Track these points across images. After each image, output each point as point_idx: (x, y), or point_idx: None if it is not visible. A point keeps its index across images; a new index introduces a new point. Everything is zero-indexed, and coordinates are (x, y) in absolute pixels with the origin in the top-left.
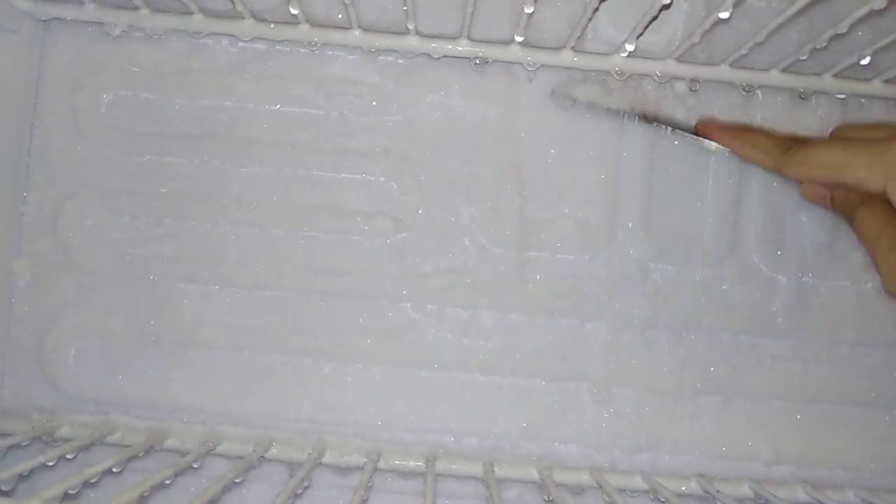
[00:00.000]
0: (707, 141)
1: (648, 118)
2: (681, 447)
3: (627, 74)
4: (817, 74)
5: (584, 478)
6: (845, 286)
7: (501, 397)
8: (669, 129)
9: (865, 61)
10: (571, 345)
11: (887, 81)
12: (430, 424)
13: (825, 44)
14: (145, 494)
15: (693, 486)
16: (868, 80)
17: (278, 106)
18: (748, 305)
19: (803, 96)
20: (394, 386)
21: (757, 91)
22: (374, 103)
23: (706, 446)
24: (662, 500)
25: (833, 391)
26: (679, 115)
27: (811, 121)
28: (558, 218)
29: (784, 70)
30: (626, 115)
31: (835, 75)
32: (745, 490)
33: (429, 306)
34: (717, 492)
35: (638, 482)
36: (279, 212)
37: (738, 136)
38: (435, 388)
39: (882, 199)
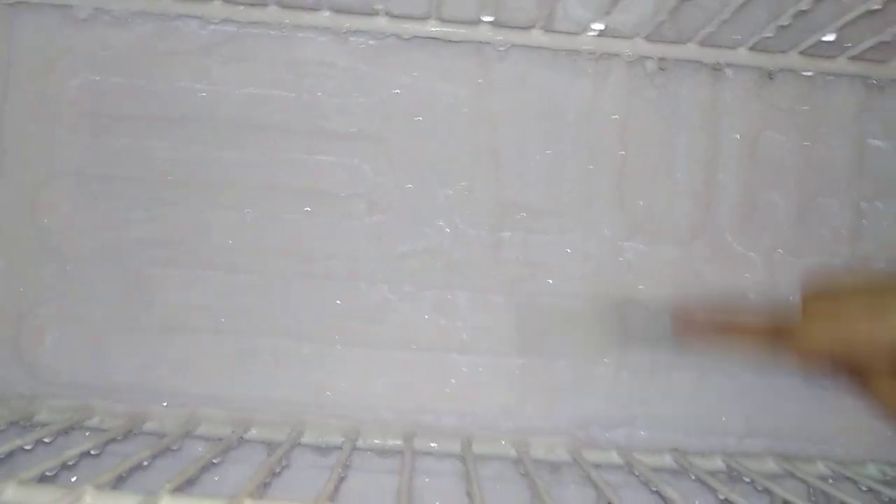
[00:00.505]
0: (687, 343)
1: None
2: (656, 423)
3: (598, 53)
4: (783, 52)
5: (561, 454)
6: (815, 263)
7: (479, 376)
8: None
9: (830, 38)
10: (548, 323)
11: (852, 58)
12: (409, 404)
13: (789, 21)
14: (123, 475)
15: (668, 460)
16: (833, 57)
17: (251, 88)
18: (720, 282)
19: (771, 76)
20: (373, 367)
21: (725, 70)
22: (346, 85)
23: (681, 421)
24: (637, 474)
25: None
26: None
27: (780, 98)
28: (533, 198)
29: (751, 48)
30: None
31: (801, 52)
32: (718, 463)
33: (406, 287)
34: (690, 465)
35: (614, 457)
36: (256, 195)
37: (720, 334)
38: (413, 368)
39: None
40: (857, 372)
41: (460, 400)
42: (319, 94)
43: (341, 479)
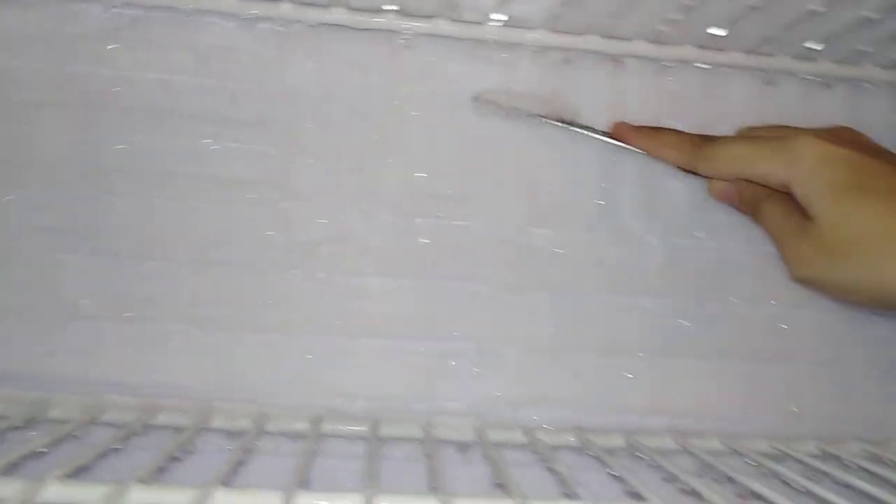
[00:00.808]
0: (623, 144)
1: (567, 122)
2: (561, 403)
3: (504, 43)
4: (680, 45)
5: (468, 434)
6: (712, 246)
7: (390, 360)
8: (588, 132)
9: (719, 32)
10: (457, 307)
11: (745, 52)
12: (320, 388)
13: (681, 16)
14: (17, 463)
15: (570, 438)
16: (727, 50)
17: (155, 74)
18: (622, 266)
19: (668, 65)
20: (284, 352)
21: (627, 61)
22: (253, 71)
23: (585, 401)
24: (538, 452)
25: (702, 345)
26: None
27: (677, 89)
28: (442, 184)
29: (649, 40)
30: (545, 120)
31: (696, 45)
32: (619, 440)
33: (317, 273)
34: (589, 442)
35: (518, 436)
36: (161, 182)
37: (652, 137)
38: (324, 353)
39: (785, 192)
40: (750, 198)
41: (371, 384)
42: (226, 80)
43: (240, 463)
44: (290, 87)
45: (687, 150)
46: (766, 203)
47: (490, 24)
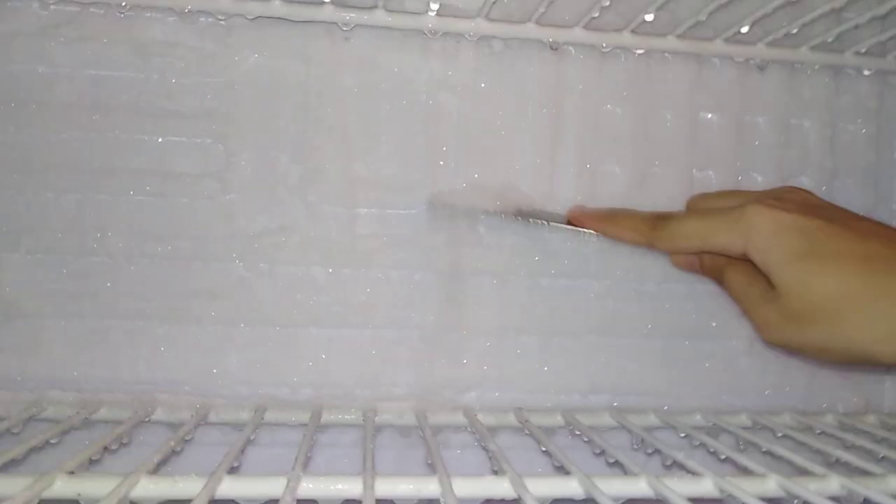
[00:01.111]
0: (581, 229)
1: (525, 216)
2: (506, 385)
3: (442, 33)
4: (617, 31)
5: (410, 418)
6: None
7: (335, 349)
8: (545, 223)
9: (650, 17)
10: (401, 295)
11: (680, 37)
12: (265, 379)
13: (615, 2)
14: None
15: (510, 418)
16: (663, 35)
17: (95, 70)
18: (564, 251)
19: (607, 51)
20: (228, 344)
21: (568, 48)
22: (195, 65)
23: (529, 382)
24: (476, 432)
25: (642, 325)
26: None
27: (619, 75)
28: (384, 174)
29: (585, 27)
30: (503, 215)
31: (632, 31)
32: (558, 419)
33: (260, 265)
34: (528, 422)
35: (459, 418)
36: (102, 177)
37: (608, 220)
38: (269, 344)
39: (745, 259)
40: (712, 266)
41: (317, 373)
42: (167, 74)
43: (173, 452)
44: (231, 81)
45: (644, 230)
46: (728, 271)
47: (429, 13)
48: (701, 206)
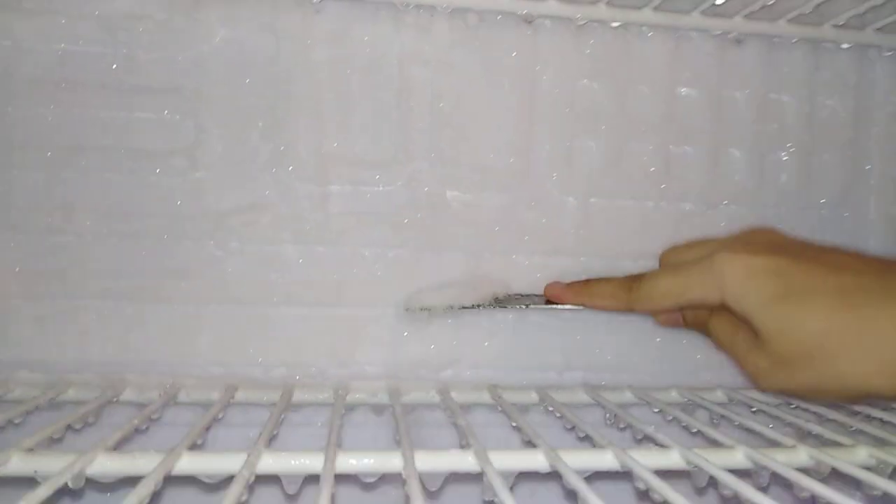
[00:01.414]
0: (559, 305)
1: (502, 302)
2: (481, 363)
3: (412, 5)
4: (592, 3)
5: (383, 397)
6: (628, 205)
7: (308, 327)
8: (524, 306)
9: None
10: (375, 273)
11: (656, 9)
12: (237, 358)
13: None
14: None
15: (485, 396)
16: (639, 8)
17: (60, 44)
18: (540, 227)
19: (582, 24)
20: (199, 324)
21: (543, 21)
22: (163, 39)
23: (504, 360)
24: (448, 409)
25: None
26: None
27: (595, 49)
28: (357, 150)
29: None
30: (481, 306)
31: (608, 4)
32: (533, 396)
33: (232, 243)
34: (501, 399)
35: (433, 397)
36: (69, 155)
37: (584, 292)
38: (241, 323)
39: (725, 308)
40: (696, 320)
41: (290, 352)
42: (135, 49)
43: (136, 430)
44: (200, 55)
45: (621, 296)
46: (711, 322)
47: None
48: (672, 260)
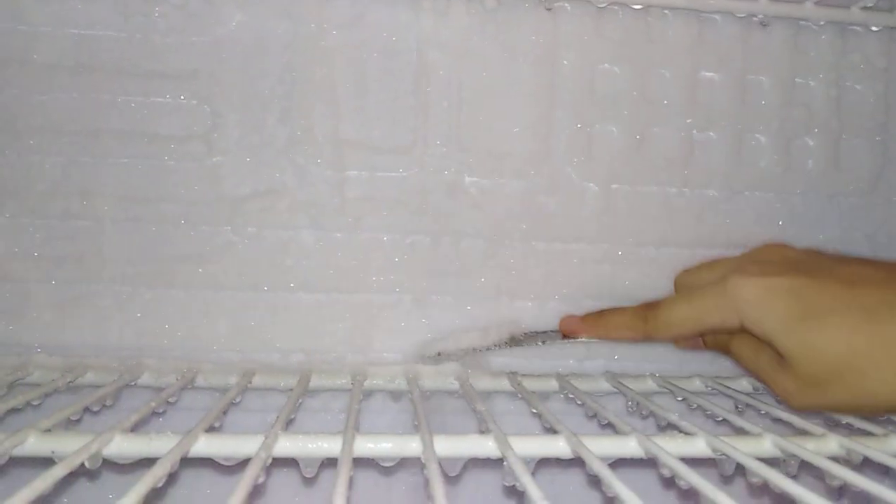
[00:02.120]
0: (576, 339)
1: (519, 341)
2: (500, 350)
3: None
4: None
5: (401, 383)
6: (650, 191)
7: (325, 313)
8: (540, 343)
9: None
10: (392, 259)
11: None
12: (255, 344)
13: None
14: None
15: (504, 383)
16: None
17: (76, 29)
18: (560, 213)
19: (603, 7)
20: (216, 309)
21: (563, 4)
22: (180, 24)
23: (524, 347)
24: (464, 395)
25: (639, 290)
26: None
27: (616, 32)
28: (374, 136)
29: None
30: (498, 347)
31: None
32: (553, 384)
33: (249, 229)
34: (520, 386)
35: (451, 383)
36: (86, 139)
37: (600, 325)
38: (258, 308)
39: (745, 330)
40: (717, 342)
41: (307, 338)
42: (151, 33)
43: (153, 413)
44: (217, 40)
45: (637, 326)
46: (733, 344)
47: None
48: (686, 283)
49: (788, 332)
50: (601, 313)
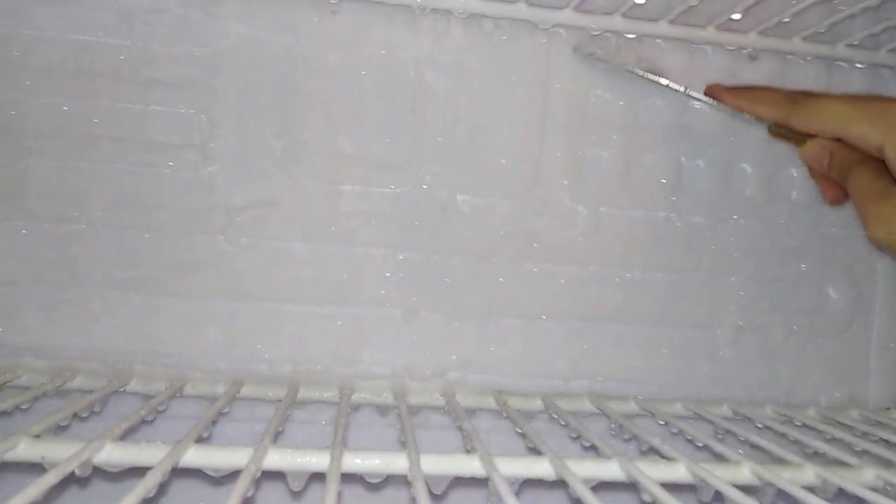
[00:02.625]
0: (717, 102)
1: (667, 82)
2: (487, 367)
3: (430, 10)
4: (608, 14)
5: (388, 398)
6: (638, 216)
7: (314, 325)
8: (684, 89)
9: (641, 0)
10: (383, 273)
11: (671, 22)
12: (243, 353)
13: None
14: None
15: (490, 401)
16: (655, 20)
17: (77, 35)
18: (549, 234)
19: (597, 34)
20: (206, 317)
21: (559, 30)
22: (180, 33)
23: (511, 366)
24: (450, 412)
25: (625, 312)
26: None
27: (607, 58)
28: (369, 152)
29: (576, 9)
30: (645, 74)
31: (623, 15)
32: (538, 403)
33: (242, 239)
34: (506, 405)
35: (437, 399)
36: (83, 144)
37: (746, 95)
38: (248, 318)
39: (877, 157)
40: (842, 162)
41: (296, 349)
42: (152, 42)
43: (144, 422)
44: (217, 51)
45: (784, 105)
46: (858, 168)
47: None
48: (847, 94)
49: None
50: (751, 87)
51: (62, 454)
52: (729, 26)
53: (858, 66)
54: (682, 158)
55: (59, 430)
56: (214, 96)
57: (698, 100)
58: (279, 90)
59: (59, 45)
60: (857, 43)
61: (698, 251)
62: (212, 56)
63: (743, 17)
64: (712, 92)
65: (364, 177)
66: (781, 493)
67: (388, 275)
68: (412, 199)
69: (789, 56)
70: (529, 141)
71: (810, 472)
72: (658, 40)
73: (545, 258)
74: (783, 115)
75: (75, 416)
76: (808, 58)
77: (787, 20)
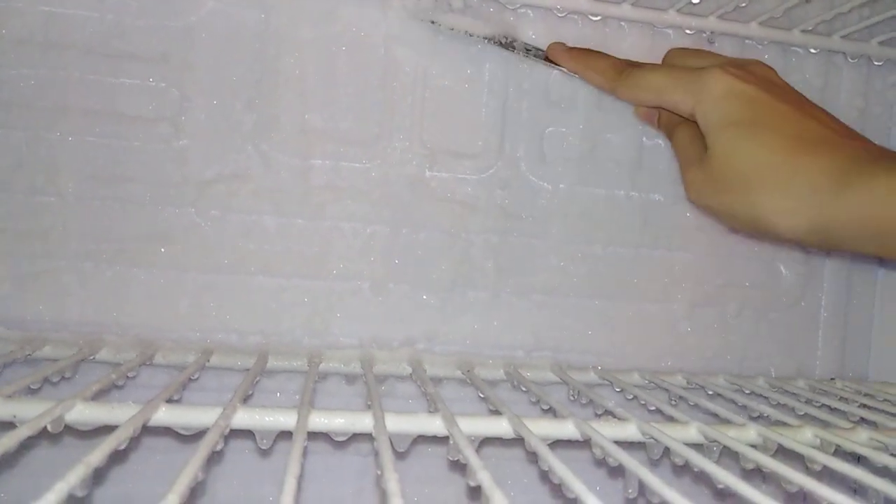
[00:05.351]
0: (555, 66)
1: (506, 43)
2: (452, 339)
3: None
4: None
5: (356, 367)
6: (600, 193)
7: (285, 298)
8: (525, 52)
9: None
10: (353, 247)
11: (634, 5)
12: (213, 325)
13: None
14: None
15: (455, 371)
16: (619, 3)
17: (48, 7)
18: (515, 209)
19: (561, 16)
20: (178, 289)
21: (523, 11)
22: (152, 7)
23: (475, 337)
24: (416, 380)
25: (587, 286)
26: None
27: (575, 40)
28: (340, 127)
29: None
30: (485, 40)
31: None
32: (500, 373)
33: (212, 212)
34: (470, 374)
35: (404, 368)
36: (54, 116)
37: (581, 60)
38: (219, 290)
39: (695, 121)
40: (668, 123)
41: (266, 320)
42: (123, 15)
43: (115, 386)
44: (189, 25)
45: (611, 76)
46: (678, 128)
47: None
48: (673, 61)
49: (724, 130)
50: (588, 51)
51: (34, 412)
52: (690, 10)
53: (812, 51)
54: (644, 138)
55: (30, 392)
56: (186, 70)
57: (540, 63)
58: (250, 65)
59: (28, 17)
60: (810, 29)
61: (656, 228)
62: (183, 29)
63: (703, 1)
64: (554, 54)
65: (334, 152)
66: (726, 450)
67: (356, 248)
68: (381, 174)
69: (747, 40)
70: (495, 118)
71: (753, 431)
72: (621, 22)
73: (510, 231)
74: (609, 86)
75: (46, 380)
76: (765, 42)
77: (744, 4)
